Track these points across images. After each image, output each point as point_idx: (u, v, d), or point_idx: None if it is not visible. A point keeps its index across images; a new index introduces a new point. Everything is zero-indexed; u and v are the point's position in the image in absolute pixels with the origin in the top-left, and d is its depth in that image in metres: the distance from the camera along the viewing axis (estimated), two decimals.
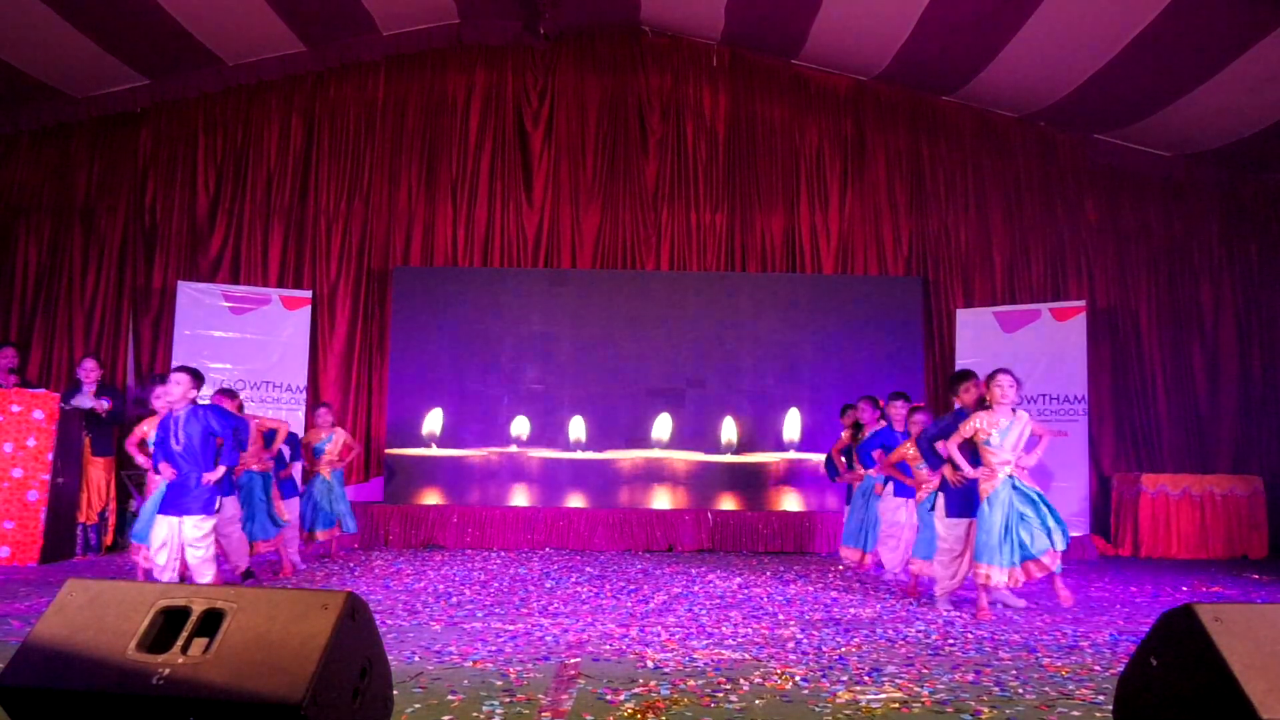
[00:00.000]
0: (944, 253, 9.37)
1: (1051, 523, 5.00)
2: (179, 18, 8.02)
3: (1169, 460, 8.91)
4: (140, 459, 5.89)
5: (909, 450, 5.95)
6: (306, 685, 2.12)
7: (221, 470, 5.22)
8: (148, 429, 5.86)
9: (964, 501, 5.25)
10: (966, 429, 5.13)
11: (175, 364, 5.31)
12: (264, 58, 9.18)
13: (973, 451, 5.18)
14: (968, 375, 5.54)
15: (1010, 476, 5.05)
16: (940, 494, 5.42)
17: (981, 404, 5.28)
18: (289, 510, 6.61)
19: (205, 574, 5.07)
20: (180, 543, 5.06)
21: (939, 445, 5.41)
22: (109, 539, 7.47)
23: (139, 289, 9.04)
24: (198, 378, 5.33)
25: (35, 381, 8.02)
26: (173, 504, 5.10)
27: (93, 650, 2.26)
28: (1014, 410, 5.11)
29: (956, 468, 5.18)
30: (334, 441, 7.37)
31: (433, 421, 8.77)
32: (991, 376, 5.17)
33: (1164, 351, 9.16)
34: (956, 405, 5.51)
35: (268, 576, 6.24)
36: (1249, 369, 9.10)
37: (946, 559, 5.35)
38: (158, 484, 5.44)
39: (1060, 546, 5.01)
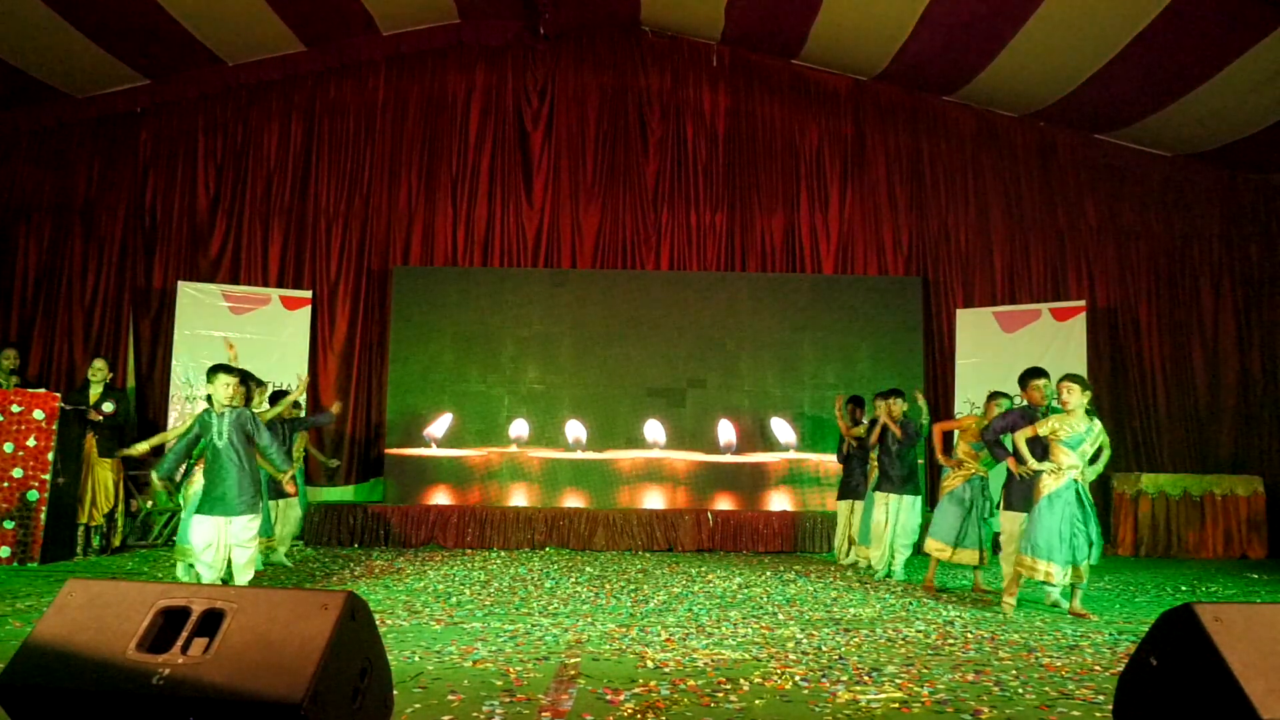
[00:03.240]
0: (944, 253, 9.37)
1: (1095, 537, 5.07)
2: (179, 18, 8.03)
3: (1169, 460, 8.92)
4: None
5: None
6: (306, 685, 2.11)
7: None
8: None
9: (1028, 496, 5.26)
10: (1044, 427, 5.13)
11: (213, 364, 5.20)
12: (264, 58, 9.19)
13: (1041, 449, 5.23)
14: (1036, 373, 5.55)
15: (1075, 481, 5.07)
16: (1004, 488, 5.56)
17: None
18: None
19: (248, 574, 5.01)
20: (225, 543, 4.96)
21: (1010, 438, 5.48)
22: (116, 539, 7.46)
23: (139, 289, 9.03)
24: (245, 382, 5.28)
25: (35, 381, 8.02)
26: (220, 504, 4.98)
27: (93, 650, 2.26)
28: (1090, 416, 5.12)
29: (1022, 461, 5.21)
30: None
31: (440, 426, 8.77)
32: (1060, 381, 5.16)
33: (1164, 351, 9.16)
34: (1023, 401, 5.60)
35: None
36: (1249, 369, 9.09)
37: (1010, 551, 5.37)
38: (197, 486, 5.34)
39: (1095, 561, 5.09)
